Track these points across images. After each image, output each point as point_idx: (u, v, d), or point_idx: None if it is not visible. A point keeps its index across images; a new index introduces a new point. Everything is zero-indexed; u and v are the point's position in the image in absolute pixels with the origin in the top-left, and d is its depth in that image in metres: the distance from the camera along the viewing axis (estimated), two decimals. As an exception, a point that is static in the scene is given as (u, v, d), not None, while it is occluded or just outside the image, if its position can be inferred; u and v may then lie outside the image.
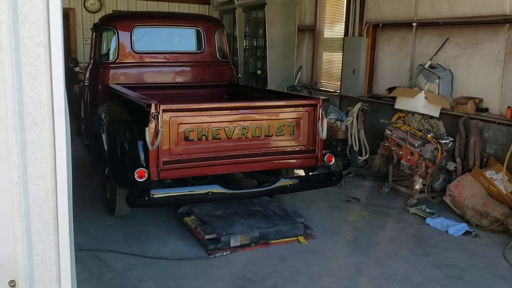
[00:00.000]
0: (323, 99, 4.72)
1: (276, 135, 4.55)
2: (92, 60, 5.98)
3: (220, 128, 4.31)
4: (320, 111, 4.60)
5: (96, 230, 4.63)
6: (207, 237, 4.29)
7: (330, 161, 4.78)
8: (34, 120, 1.51)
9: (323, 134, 4.61)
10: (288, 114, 4.61)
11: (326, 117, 4.74)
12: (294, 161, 4.75)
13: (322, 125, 4.59)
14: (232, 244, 4.25)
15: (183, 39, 6.33)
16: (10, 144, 1.49)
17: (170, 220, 4.90)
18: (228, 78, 6.36)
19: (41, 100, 1.51)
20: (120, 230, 4.66)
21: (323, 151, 4.73)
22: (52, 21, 1.47)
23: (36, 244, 1.56)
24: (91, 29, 6.18)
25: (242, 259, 4.13)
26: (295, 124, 4.61)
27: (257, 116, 4.50)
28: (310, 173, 4.91)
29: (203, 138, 4.26)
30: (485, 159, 5.55)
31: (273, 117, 4.55)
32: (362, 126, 6.65)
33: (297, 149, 4.67)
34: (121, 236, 4.52)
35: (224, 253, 4.18)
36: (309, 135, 4.66)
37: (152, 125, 3.97)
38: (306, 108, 4.64)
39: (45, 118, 1.52)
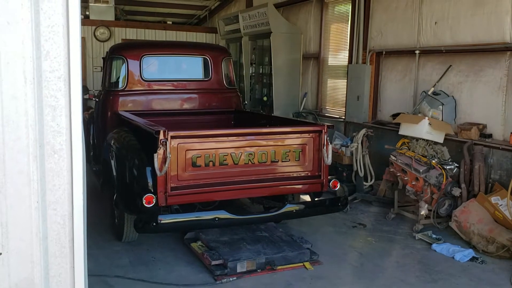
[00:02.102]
0: (328, 125, 4.80)
1: (282, 161, 4.61)
2: (102, 88, 6.13)
3: (227, 154, 4.38)
4: (325, 137, 4.67)
5: (104, 256, 4.67)
6: (213, 262, 4.32)
7: (335, 186, 4.83)
8: (53, 148, 1.60)
9: (329, 160, 4.68)
10: (294, 140, 4.69)
11: (331, 143, 4.81)
12: (299, 186, 4.80)
13: (327, 151, 4.66)
14: (239, 270, 4.27)
15: (190, 67, 6.48)
16: (31, 171, 1.58)
17: (177, 246, 4.93)
18: (235, 105, 6.47)
19: (60, 130, 1.60)
20: (127, 256, 4.70)
21: (329, 177, 4.79)
22: (72, 56, 1.58)
23: (53, 267, 1.62)
24: (102, 58, 6.35)
25: (248, 285, 4.15)
26: (300, 150, 4.68)
27: (263, 142, 4.58)
28: (316, 199, 4.95)
29: (210, 164, 4.33)
30: (490, 184, 5.57)
31: (279, 143, 4.63)
32: (367, 151, 6.71)
33: (302, 174, 4.72)
34: (128, 262, 4.56)
35: (231, 279, 4.19)
36: (315, 161, 4.72)
37: (160, 151, 4.05)
38: (311, 134, 4.72)
39: (64, 147, 1.61)
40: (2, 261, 1.57)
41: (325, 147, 4.66)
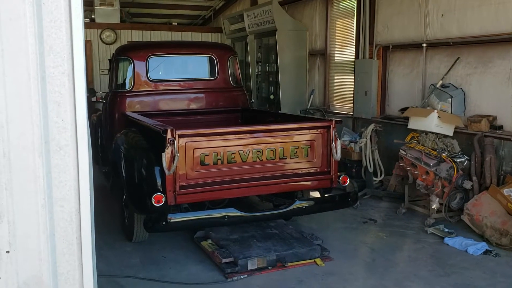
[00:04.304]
0: (336, 120, 4.77)
1: (291, 158, 4.58)
2: (109, 89, 6.14)
3: (235, 152, 4.36)
4: (333, 132, 4.64)
5: (114, 256, 4.67)
6: (224, 260, 4.30)
7: (345, 182, 4.79)
8: (59, 144, 1.59)
9: (337, 156, 4.64)
10: (302, 137, 4.66)
11: (339, 139, 4.78)
12: (309, 183, 4.77)
13: (336, 146, 4.62)
14: (249, 267, 4.25)
15: (196, 67, 6.46)
16: (36, 167, 1.57)
17: (187, 245, 4.92)
18: (242, 103, 6.44)
19: (65, 125, 1.59)
20: (138, 255, 4.70)
21: (338, 173, 4.75)
22: (75, 51, 1.56)
23: (61, 264, 1.61)
24: (109, 60, 6.35)
25: (259, 282, 4.12)
26: (309, 146, 4.65)
27: (271, 139, 4.55)
28: (326, 195, 4.91)
29: (219, 162, 4.32)
30: (502, 176, 5.50)
31: (287, 140, 4.60)
32: (376, 147, 6.66)
33: (311, 171, 4.69)
34: (139, 262, 4.56)
35: (242, 277, 4.17)
36: (323, 157, 4.69)
37: (168, 150, 4.04)
38: (319, 130, 4.69)
39: (69, 143, 1.60)
40: (10, 259, 1.56)
41: (333, 143, 4.62)
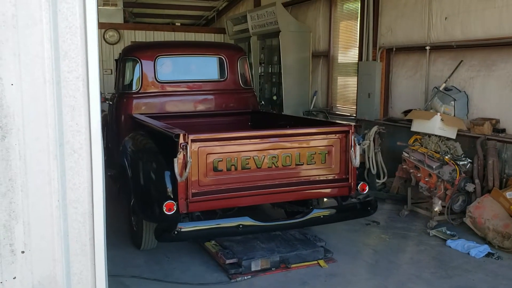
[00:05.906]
0: (355, 125, 4.58)
1: (307, 164, 4.37)
2: (115, 90, 6.10)
3: (249, 157, 4.15)
4: (352, 137, 4.45)
5: (119, 256, 4.67)
6: (228, 261, 4.31)
7: (364, 190, 4.57)
8: (73, 147, 1.63)
9: (356, 162, 4.44)
10: (319, 142, 4.44)
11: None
12: (326, 190, 4.57)
13: (355, 152, 4.42)
14: (253, 268, 4.27)
15: (205, 68, 6.26)
16: (51, 170, 1.60)
17: (191, 246, 4.94)
18: (252, 105, 6.28)
19: (80, 129, 1.63)
20: (142, 256, 4.72)
21: (356, 180, 4.54)
22: (90, 56, 1.60)
23: (74, 264, 1.65)
24: (115, 60, 6.31)
25: (263, 283, 4.15)
26: (326, 152, 4.44)
27: (287, 144, 4.33)
28: (344, 203, 4.69)
29: (232, 168, 4.11)
30: (504, 179, 5.52)
31: (304, 145, 4.38)
32: (379, 149, 6.68)
33: (329, 178, 4.49)
34: (143, 262, 4.58)
35: (245, 278, 4.19)
36: (342, 163, 4.48)
37: (180, 155, 3.85)
38: (337, 135, 4.48)
39: (83, 146, 1.63)
40: (25, 259, 1.60)
41: (352, 148, 4.43)
